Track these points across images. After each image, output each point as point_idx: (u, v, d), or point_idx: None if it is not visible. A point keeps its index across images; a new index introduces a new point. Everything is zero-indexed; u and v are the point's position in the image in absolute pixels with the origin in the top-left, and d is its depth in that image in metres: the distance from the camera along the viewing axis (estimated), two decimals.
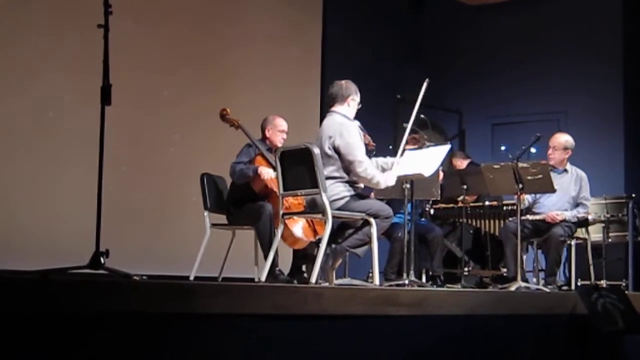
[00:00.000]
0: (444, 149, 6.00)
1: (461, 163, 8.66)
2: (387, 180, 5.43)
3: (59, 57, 7.10)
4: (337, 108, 5.53)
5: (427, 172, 5.78)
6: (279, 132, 6.25)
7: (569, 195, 6.96)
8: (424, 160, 5.87)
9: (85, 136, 5.68)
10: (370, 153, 5.58)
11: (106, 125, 4.28)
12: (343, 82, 5.59)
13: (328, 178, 5.25)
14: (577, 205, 6.97)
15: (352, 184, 5.38)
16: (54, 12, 7.15)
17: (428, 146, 6.15)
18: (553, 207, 6.94)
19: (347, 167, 5.33)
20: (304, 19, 9.37)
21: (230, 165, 6.08)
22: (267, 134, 6.27)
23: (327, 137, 5.36)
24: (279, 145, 6.15)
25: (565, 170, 7.04)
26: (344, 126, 5.37)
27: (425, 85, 5.84)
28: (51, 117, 7.08)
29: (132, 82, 7.23)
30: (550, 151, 7.00)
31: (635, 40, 9.60)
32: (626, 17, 9.70)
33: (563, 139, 7.05)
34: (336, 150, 5.31)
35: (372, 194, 6.28)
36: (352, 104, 5.54)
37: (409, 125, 5.85)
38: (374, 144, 5.77)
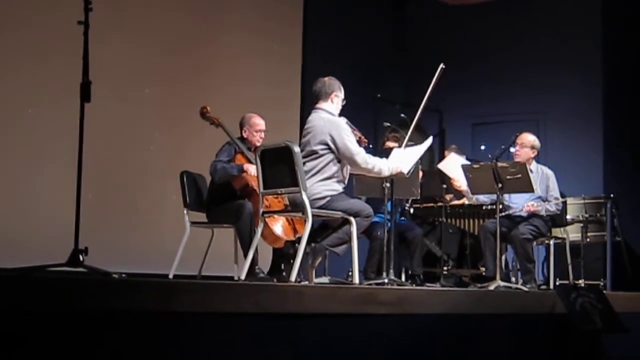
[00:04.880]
0: (428, 142, 5.97)
1: None
2: (390, 167, 5.51)
3: (39, 54, 7.04)
4: (321, 105, 5.53)
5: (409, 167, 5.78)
6: (256, 132, 6.21)
7: (535, 194, 6.96)
8: (413, 156, 5.87)
9: (64, 133, 5.63)
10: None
11: (85, 122, 4.25)
12: (326, 78, 5.59)
13: (311, 174, 5.26)
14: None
15: (337, 181, 5.37)
16: (34, 9, 7.09)
17: (409, 145, 6.12)
18: (520, 206, 6.96)
19: (350, 164, 5.40)
20: (285, 14, 9.35)
21: (211, 164, 6.04)
22: (245, 135, 6.24)
23: (316, 134, 5.34)
24: (258, 144, 6.11)
25: (531, 170, 7.05)
26: (333, 123, 5.37)
27: (440, 69, 5.85)
28: (30, 114, 7.03)
29: (112, 79, 7.18)
30: (517, 148, 7.00)
31: (615, 42, 9.66)
32: (605, 18, 9.77)
33: (531, 137, 7.07)
34: (332, 149, 5.31)
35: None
36: (335, 100, 5.54)
37: (422, 105, 5.98)
38: (367, 140, 5.76)
